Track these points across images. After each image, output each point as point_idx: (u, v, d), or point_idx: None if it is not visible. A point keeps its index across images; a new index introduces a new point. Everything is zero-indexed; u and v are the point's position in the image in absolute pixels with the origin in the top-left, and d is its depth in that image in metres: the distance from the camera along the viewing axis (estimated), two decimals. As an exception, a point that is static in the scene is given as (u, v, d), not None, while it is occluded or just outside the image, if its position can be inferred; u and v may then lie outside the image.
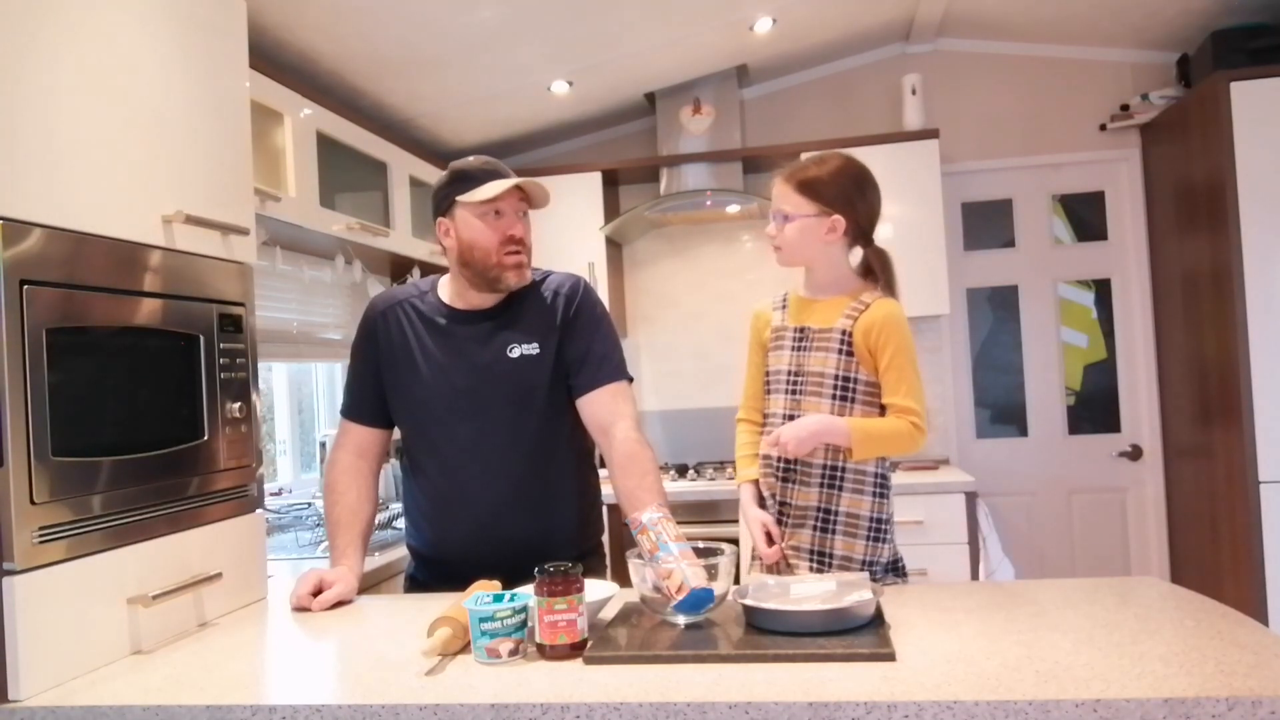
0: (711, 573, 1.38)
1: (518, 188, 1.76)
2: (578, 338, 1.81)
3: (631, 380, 1.86)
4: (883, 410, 1.71)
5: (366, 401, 1.89)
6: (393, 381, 1.84)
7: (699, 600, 1.35)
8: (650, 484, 1.69)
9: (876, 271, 1.77)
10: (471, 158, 1.82)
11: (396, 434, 1.92)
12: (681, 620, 1.37)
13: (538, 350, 1.79)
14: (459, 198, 1.76)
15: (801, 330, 1.77)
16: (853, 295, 1.75)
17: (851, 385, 1.70)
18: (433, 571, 1.85)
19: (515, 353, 1.78)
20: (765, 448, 1.76)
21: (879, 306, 1.71)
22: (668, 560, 1.38)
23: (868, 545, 1.70)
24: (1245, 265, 3.06)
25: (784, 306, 1.84)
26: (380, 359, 1.85)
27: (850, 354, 1.70)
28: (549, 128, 3.87)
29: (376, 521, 1.95)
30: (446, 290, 1.85)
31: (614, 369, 1.82)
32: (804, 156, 1.81)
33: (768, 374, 1.82)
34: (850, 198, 1.73)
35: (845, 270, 1.78)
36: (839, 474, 1.70)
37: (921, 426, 1.68)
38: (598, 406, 1.79)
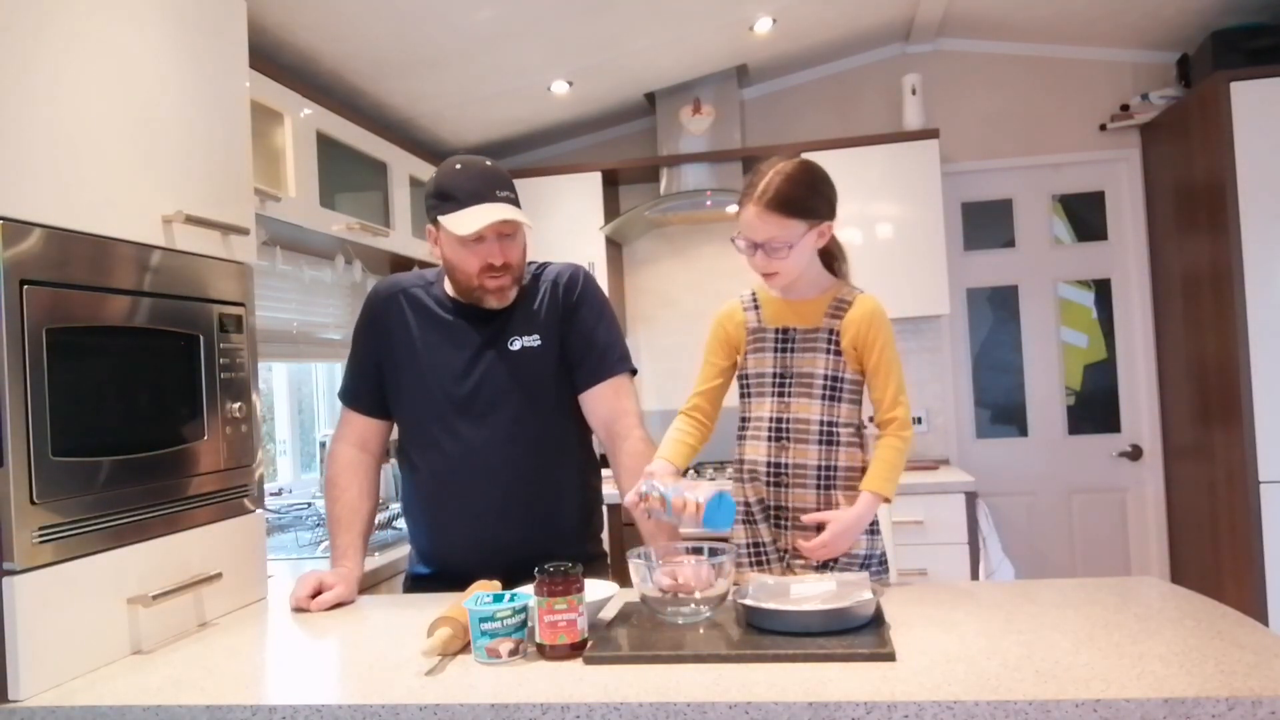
0: (716, 571, 1.39)
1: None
2: (580, 327, 1.79)
3: (635, 372, 1.85)
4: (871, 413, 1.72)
5: (367, 391, 1.87)
6: (392, 373, 1.83)
7: (717, 508, 1.38)
8: None
9: (835, 253, 1.77)
10: (459, 165, 1.73)
11: (394, 432, 1.91)
12: (680, 622, 1.38)
13: (539, 342, 1.77)
14: (440, 218, 1.71)
15: (784, 331, 1.75)
16: (829, 292, 1.73)
17: (839, 385, 1.70)
18: (434, 570, 1.84)
19: (516, 345, 1.76)
20: (808, 552, 1.66)
21: (861, 302, 1.70)
22: (675, 501, 1.42)
23: (867, 539, 1.70)
24: (1245, 265, 3.06)
25: (756, 307, 1.80)
26: (380, 348, 1.84)
27: (838, 353, 1.70)
28: (549, 128, 3.87)
29: (376, 521, 1.94)
30: (449, 282, 1.83)
31: (617, 361, 1.81)
32: (771, 171, 1.68)
33: (746, 377, 1.78)
34: (827, 198, 1.71)
35: (819, 265, 1.76)
36: (833, 474, 1.69)
37: (907, 422, 1.69)
38: (601, 403, 1.80)
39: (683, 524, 1.45)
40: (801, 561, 1.72)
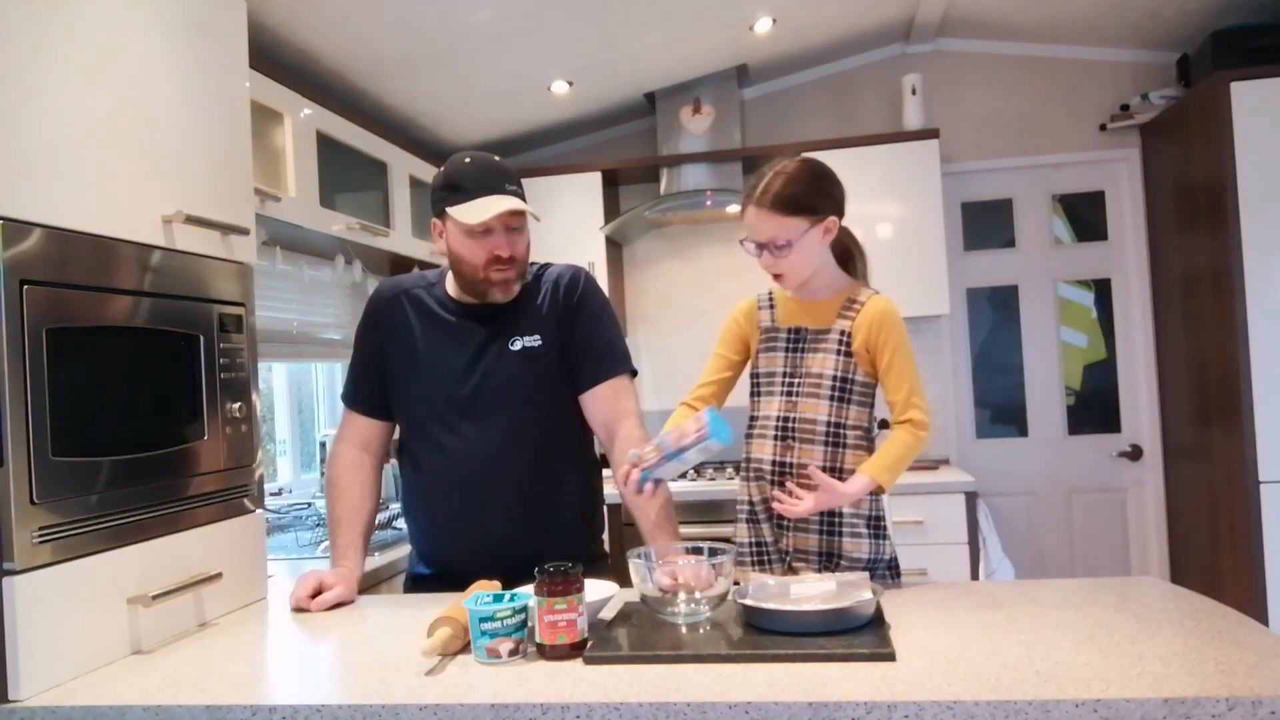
0: (717, 570, 1.40)
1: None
2: (580, 328, 1.80)
3: (635, 374, 1.85)
4: (879, 416, 1.70)
5: (369, 392, 1.87)
6: (393, 374, 1.83)
7: (715, 417, 1.48)
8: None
9: (851, 248, 1.76)
10: (469, 159, 1.76)
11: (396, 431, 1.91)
12: (680, 622, 1.38)
13: (540, 343, 1.77)
14: (448, 209, 1.72)
15: (796, 331, 1.75)
16: (843, 293, 1.73)
17: (848, 386, 1.69)
18: (434, 570, 1.84)
19: (517, 345, 1.77)
20: (777, 506, 1.67)
21: (874, 303, 1.69)
22: (670, 437, 1.52)
23: (872, 544, 1.69)
24: (1245, 265, 3.06)
25: (771, 306, 1.80)
26: (382, 349, 1.84)
27: (849, 354, 1.69)
28: (549, 128, 3.87)
29: (376, 521, 1.94)
30: (451, 283, 1.83)
31: (617, 362, 1.82)
32: (771, 172, 1.68)
33: (758, 376, 1.78)
34: (830, 194, 1.70)
35: (834, 266, 1.76)
36: (838, 476, 1.67)
37: (925, 423, 1.66)
38: (601, 403, 1.80)
39: (691, 452, 1.49)
40: (803, 562, 1.72)
